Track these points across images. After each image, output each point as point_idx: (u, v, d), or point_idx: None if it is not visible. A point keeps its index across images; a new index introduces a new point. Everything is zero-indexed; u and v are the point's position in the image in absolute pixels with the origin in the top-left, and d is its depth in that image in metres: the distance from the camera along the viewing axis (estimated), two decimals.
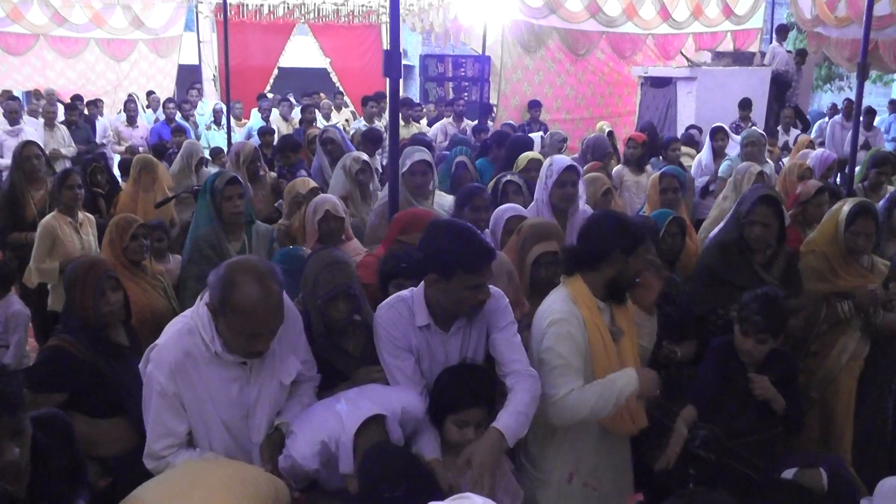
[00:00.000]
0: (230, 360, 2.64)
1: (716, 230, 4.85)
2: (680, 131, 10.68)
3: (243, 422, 2.73)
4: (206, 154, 8.46)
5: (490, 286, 3.01)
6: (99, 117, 12.55)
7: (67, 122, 11.02)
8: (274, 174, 6.99)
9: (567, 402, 3.06)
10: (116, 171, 8.51)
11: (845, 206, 4.41)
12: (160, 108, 13.27)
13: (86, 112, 12.34)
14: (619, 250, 3.19)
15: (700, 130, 9.68)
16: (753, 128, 8.74)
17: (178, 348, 2.62)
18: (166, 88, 16.12)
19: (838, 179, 8.98)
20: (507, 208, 4.38)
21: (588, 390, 3.07)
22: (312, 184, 5.54)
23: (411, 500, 2.43)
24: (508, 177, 5.27)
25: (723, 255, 4.27)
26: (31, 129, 9.96)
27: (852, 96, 7.65)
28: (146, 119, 13.17)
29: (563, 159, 4.80)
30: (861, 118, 11.42)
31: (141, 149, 10.82)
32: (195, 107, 13.66)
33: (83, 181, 6.61)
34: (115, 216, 4.92)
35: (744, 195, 4.47)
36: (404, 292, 3.11)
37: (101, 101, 13.61)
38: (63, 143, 10.31)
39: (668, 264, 4.33)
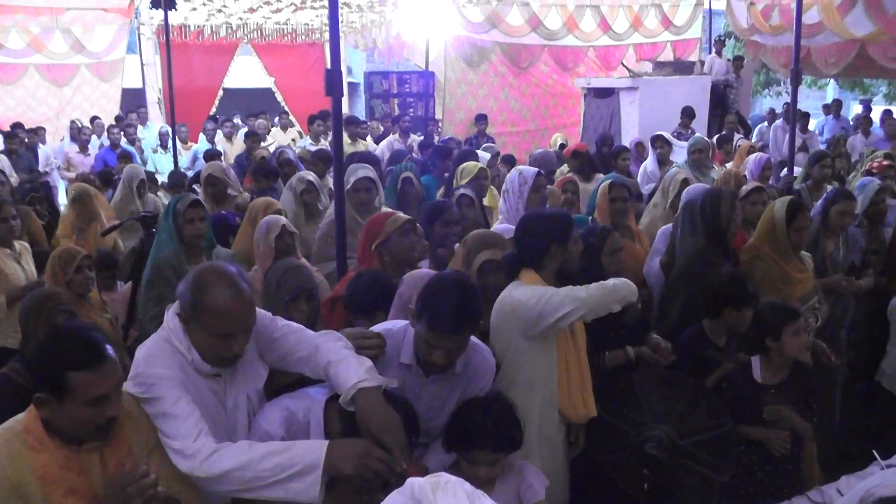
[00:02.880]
0: (206, 371, 2.60)
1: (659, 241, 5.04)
2: (625, 140, 10.81)
3: (223, 427, 2.64)
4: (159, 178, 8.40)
5: (483, 345, 3.11)
6: (41, 145, 12.30)
7: (8, 151, 10.75)
8: (247, 196, 6.94)
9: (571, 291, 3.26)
10: (63, 199, 8.38)
11: (778, 205, 4.60)
12: (105, 134, 13.06)
13: (26, 140, 12.07)
14: (556, 244, 3.40)
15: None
16: (698, 135, 8.89)
17: (163, 353, 2.58)
18: (111, 113, 15.83)
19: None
20: (505, 230, 4.34)
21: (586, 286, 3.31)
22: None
23: None
24: (463, 191, 5.34)
25: (705, 265, 4.38)
26: None
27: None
28: (92, 145, 12.93)
29: (530, 168, 5.18)
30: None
31: (91, 176, 10.67)
32: (136, 130, 13.46)
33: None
34: (58, 249, 4.84)
35: (702, 199, 4.56)
36: (396, 327, 3.05)
37: (42, 128, 13.36)
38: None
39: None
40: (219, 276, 2.56)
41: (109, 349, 2.29)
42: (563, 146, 10.49)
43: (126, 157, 10.12)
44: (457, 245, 4.26)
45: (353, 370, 2.58)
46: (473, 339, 3.01)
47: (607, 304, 3.31)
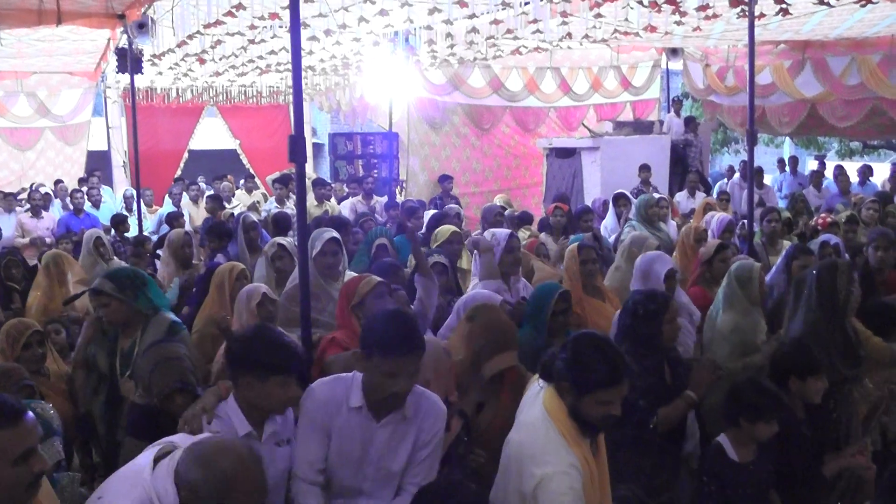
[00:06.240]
0: None
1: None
2: (588, 199, 10.93)
3: None
4: None
5: (431, 392, 3.09)
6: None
7: None
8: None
9: None
10: None
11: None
12: (68, 198, 12.89)
13: None
14: (570, 385, 2.89)
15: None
16: (645, 194, 9.01)
17: None
18: (75, 177, 15.58)
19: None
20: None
21: None
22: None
23: None
24: (435, 258, 5.33)
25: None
26: None
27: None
28: (55, 210, 12.75)
29: (503, 230, 5.11)
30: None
31: (48, 240, 10.54)
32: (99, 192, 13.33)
33: None
34: (8, 323, 4.74)
35: (817, 273, 4.39)
36: (346, 375, 3.12)
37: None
38: None
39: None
40: (247, 476, 2.28)
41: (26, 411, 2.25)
42: (503, 208, 10.50)
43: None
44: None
45: None
46: (421, 388, 3.07)
47: None
